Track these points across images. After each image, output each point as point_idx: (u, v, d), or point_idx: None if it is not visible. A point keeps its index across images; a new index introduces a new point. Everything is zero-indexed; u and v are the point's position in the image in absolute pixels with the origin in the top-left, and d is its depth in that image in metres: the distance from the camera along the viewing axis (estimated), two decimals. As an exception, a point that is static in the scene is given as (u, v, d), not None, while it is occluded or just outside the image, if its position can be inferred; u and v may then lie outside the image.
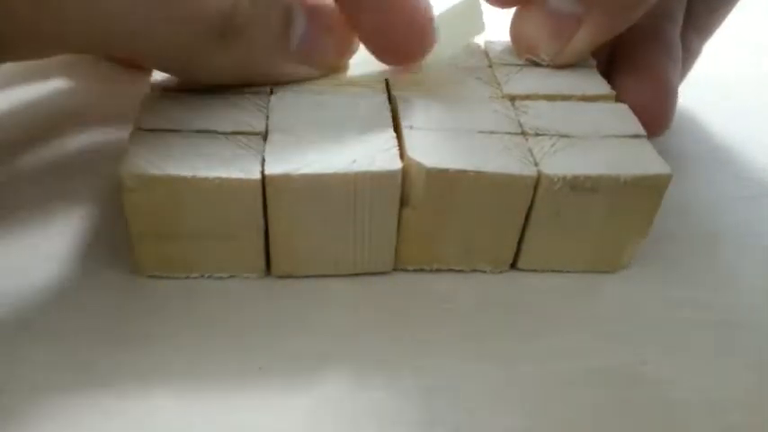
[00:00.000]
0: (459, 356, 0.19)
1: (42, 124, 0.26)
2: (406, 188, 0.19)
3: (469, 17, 0.23)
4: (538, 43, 0.23)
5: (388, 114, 0.21)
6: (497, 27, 0.24)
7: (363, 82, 0.22)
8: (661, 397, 0.18)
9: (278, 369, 0.18)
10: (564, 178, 0.19)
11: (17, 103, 0.28)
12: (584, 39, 0.22)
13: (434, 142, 0.20)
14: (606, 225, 0.20)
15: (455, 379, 0.18)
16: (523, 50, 0.24)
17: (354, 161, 0.19)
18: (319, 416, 0.17)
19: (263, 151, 0.19)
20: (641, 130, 0.21)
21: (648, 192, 0.20)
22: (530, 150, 0.20)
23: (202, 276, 0.21)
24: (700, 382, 0.19)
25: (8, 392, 0.17)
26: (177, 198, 0.19)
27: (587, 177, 0.19)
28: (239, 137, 0.20)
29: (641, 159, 0.20)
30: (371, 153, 0.19)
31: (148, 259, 0.20)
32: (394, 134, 0.20)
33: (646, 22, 0.24)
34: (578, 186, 0.19)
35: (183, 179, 0.18)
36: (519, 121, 0.21)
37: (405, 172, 0.19)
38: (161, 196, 0.18)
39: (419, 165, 0.19)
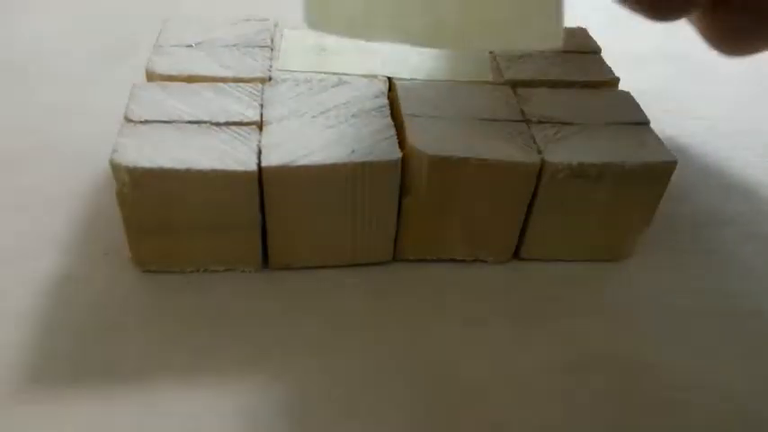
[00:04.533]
0: (460, 345, 0.19)
1: (43, 113, 0.26)
2: (407, 176, 0.19)
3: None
4: None
5: (386, 102, 0.21)
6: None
7: (360, 70, 0.22)
8: (662, 384, 0.18)
9: (278, 359, 0.18)
10: (569, 166, 0.19)
11: (17, 93, 0.27)
12: None
13: (436, 130, 0.19)
14: (610, 213, 0.20)
15: (456, 367, 0.18)
16: None
17: (353, 151, 0.18)
18: (320, 403, 0.17)
19: (259, 142, 0.19)
20: (645, 118, 0.21)
21: (653, 179, 0.19)
22: (533, 138, 0.20)
23: (199, 270, 0.20)
24: (702, 370, 0.19)
25: (4, 381, 0.17)
26: (171, 191, 0.18)
27: (592, 165, 0.19)
28: (233, 127, 0.19)
29: (646, 147, 0.20)
30: (370, 142, 0.19)
31: (145, 253, 0.20)
32: (392, 122, 0.20)
33: None
34: (583, 174, 0.19)
35: (177, 172, 0.18)
36: (521, 109, 0.21)
37: (406, 160, 0.19)
38: (154, 189, 0.18)
39: (421, 153, 0.18)
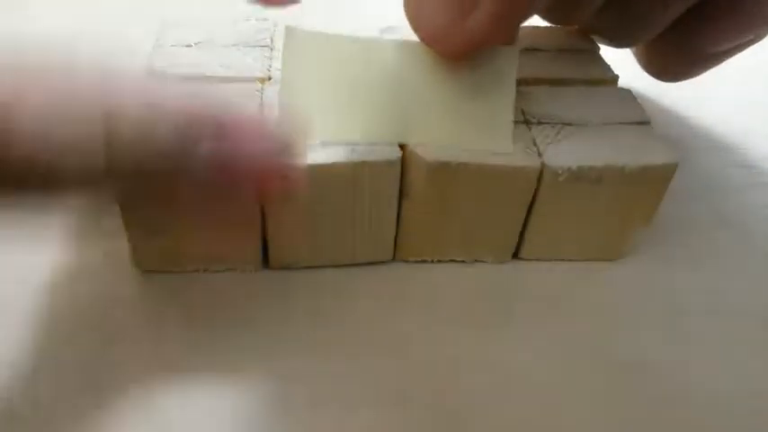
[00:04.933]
0: (461, 344, 0.19)
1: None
2: (406, 180, 0.19)
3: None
4: (429, 15, 0.18)
5: None
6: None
7: None
8: (663, 384, 0.18)
9: (278, 359, 0.18)
10: (569, 169, 0.19)
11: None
12: (484, 15, 0.17)
13: None
14: (609, 214, 0.20)
15: (456, 367, 0.18)
16: (413, 25, 0.19)
17: (353, 150, 0.18)
18: (320, 403, 0.17)
19: None
20: (646, 117, 0.21)
21: (654, 180, 0.19)
22: (533, 140, 0.20)
23: (199, 270, 0.20)
24: (703, 370, 0.19)
25: (4, 381, 0.17)
26: None
27: (592, 168, 0.19)
28: None
29: (647, 148, 0.20)
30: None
31: (145, 253, 0.20)
32: None
33: None
34: (583, 177, 0.19)
35: None
36: (521, 109, 0.21)
37: (405, 164, 0.19)
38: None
39: (420, 158, 0.18)
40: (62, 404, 0.17)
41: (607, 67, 0.23)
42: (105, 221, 0.21)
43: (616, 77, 0.23)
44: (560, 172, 0.19)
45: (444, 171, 0.18)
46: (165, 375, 0.18)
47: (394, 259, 0.21)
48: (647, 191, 0.20)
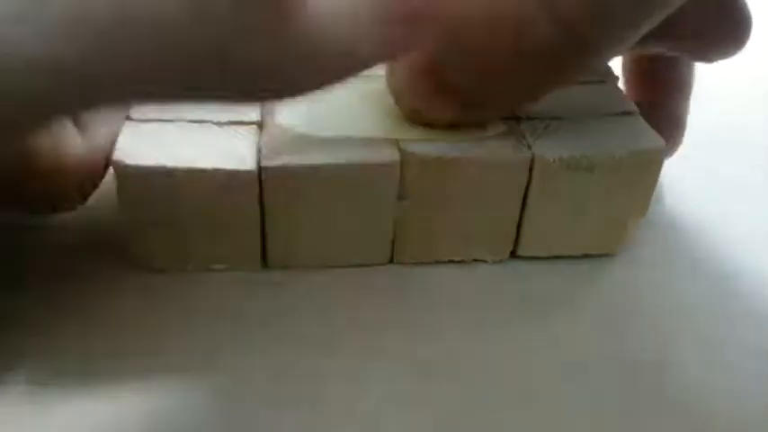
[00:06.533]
0: (459, 345, 0.19)
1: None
2: (402, 181, 0.19)
3: None
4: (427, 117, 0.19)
5: None
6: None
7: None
8: (661, 384, 0.18)
9: (277, 359, 0.18)
10: (560, 158, 0.19)
11: None
12: (488, 113, 0.20)
13: (427, 131, 0.20)
14: (605, 204, 0.20)
15: (455, 368, 0.18)
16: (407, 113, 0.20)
17: (353, 152, 0.19)
18: (319, 403, 0.17)
19: (259, 142, 0.19)
20: (632, 107, 0.21)
21: (645, 166, 0.20)
22: (522, 134, 0.20)
23: (199, 270, 0.20)
24: (701, 370, 0.19)
25: (4, 382, 0.17)
26: (172, 190, 0.18)
27: (583, 156, 0.19)
28: (234, 127, 0.19)
29: (634, 135, 0.20)
30: (370, 144, 0.19)
31: (146, 252, 0.20)
32: None
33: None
34: (574, 165, 0.19)
35: (178, 171, 0.18)
36: None
37: (401, 164, 0.19)
38: (155, 188, 0.18)
39: (413, 154, 0.19)
40: (60, 403, 0.17)
41: (608, 70, 0.23)
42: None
43: (616, 78, 0.23)
44: (552, 161, 0.19)
45: (438, 166, 0.19)
46: (164, 374, 0.17)
47: (392, 262, 0.21)
48: (640, 177, 0.20)
